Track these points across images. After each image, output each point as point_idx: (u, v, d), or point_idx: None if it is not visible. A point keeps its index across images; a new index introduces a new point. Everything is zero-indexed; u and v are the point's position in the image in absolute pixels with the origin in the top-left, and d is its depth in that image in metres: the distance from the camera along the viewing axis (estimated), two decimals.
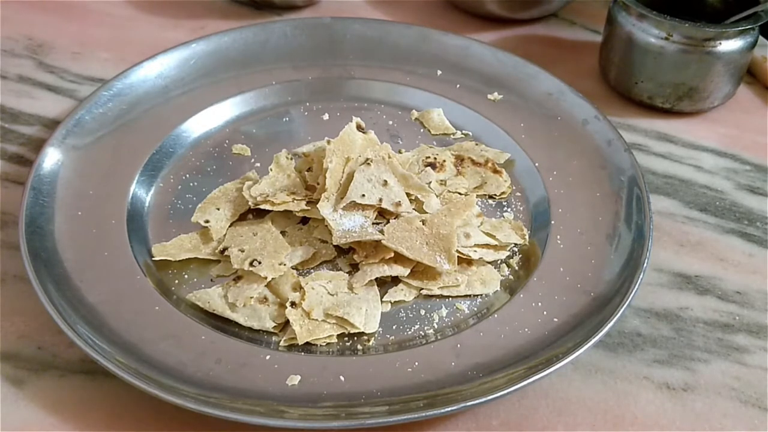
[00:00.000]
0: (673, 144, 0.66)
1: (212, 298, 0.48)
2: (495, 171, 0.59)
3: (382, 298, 0.49)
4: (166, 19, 0.78)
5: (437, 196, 0.54)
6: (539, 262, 0.51)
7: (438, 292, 0.50)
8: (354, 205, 0.51)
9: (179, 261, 0.51)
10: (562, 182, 0.57)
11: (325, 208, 0.50)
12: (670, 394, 0.46)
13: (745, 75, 0.69)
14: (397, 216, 0.52)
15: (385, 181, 0.52)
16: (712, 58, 0.64)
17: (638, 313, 0.51)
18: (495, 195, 0.57)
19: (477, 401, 0.41)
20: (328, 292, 0.49)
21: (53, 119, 0.65)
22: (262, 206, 0.52)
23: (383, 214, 0.52)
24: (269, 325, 0.47)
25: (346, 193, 0.51)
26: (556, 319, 0.47)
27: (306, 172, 0.56)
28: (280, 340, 0.47)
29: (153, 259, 0.51)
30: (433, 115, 0.64)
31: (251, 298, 0.48)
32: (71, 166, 0.55)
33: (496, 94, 0.65)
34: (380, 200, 0.51)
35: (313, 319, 0.47)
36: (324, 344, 0.47)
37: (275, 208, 0.52)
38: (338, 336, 0.47)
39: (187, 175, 0.58)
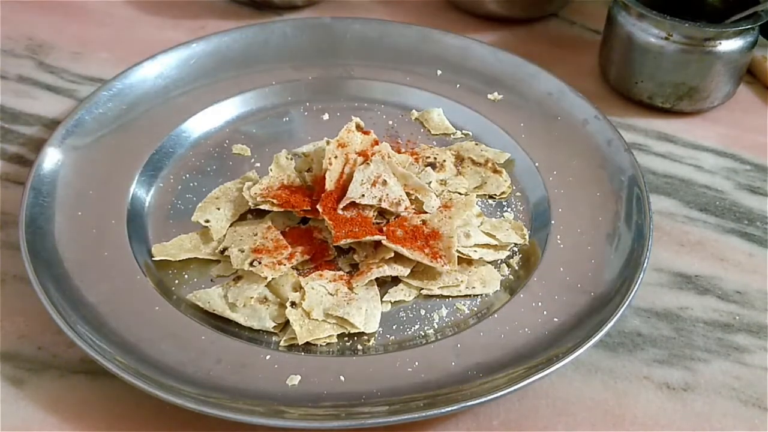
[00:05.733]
0: (673, 144, 0.66)
1: (212, 298, 0.48)
2: (495, 171, 0.59)
3: (382, 298, 0.49)
4: (166, 19, 0.78)
5: (437, 196, 0.54)
6: (539, 262, 0.51)
7: (438, 292, 0.50)
8: (354, 205, 0.51)
9: (179, 261, 0.51)
10: (562, 182, 0.57)
11: (325, 208, 0.50)
12: (670, 394, 0.46)
13: (745, 75, 0.69)
14: (397, 216, 0.52)
15: (385, 180, 0.52)
16: (712, 58, 0.64)
17: (638, 313, 0.51)
18: (495, 195, 0.57)
19: (477, 401, 0.41)
20: (328, 292, 0.49)
21: (53, 119, 0.65)
22: (262, 206, 0.52)
23: (383, 214, 0.52)
24: (269, 325, 0.47)
25: (346, 193, 0.51)
26: (556, 319, 0.47)
27: (306, 172, 0.56)
28: (280, 340, 0.47)
29: (153, 259, 0.51)
30: (433, 115, 0.64)
31: (251, 298, 0.48)
32: (71, 166, 0.55)
33: (496, 94, 0.65)
34: (380, 200, 0.51)
35: (313, 319, 0.47)
36: (324, 344, 0.47)
37: (275, 209, 0.52)
38: (338, 336, 0.47)
39: (187, 175, 0.58)
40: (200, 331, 0.46)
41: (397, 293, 0.50)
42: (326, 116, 0.64)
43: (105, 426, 0.43)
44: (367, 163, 0.52)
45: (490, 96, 0.65)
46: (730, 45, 0.63)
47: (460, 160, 0.60)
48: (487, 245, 0.53)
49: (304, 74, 0.67)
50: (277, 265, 0.49)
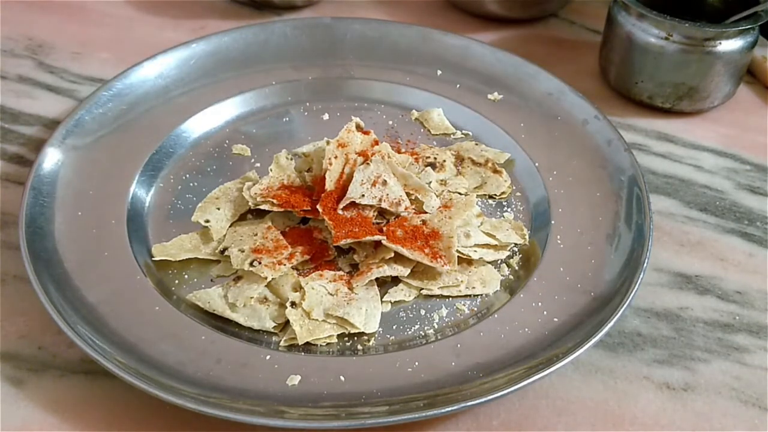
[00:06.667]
0: (673, 144, 0.66)
1: (212, 298, 0.48)
2: (495, 171, 0.59)
3: (382, 298, 0.49)
4: (166, 19, 0.78)
5: (437, 196, 0.54)
6: (539, 262, 0.51)
7: (438, 292, 0.50)
8: (354, 205, 0.51)
9: (179, 261, 0.51)
10: (562, 182, 0.57)
11: (325, 208, 0.50)
12: (670, 394, 0.46)
13: (745, 75, 0.69)
14: (397, 216, 0.52)
15: (385, 180, 0.52)
16: (712, 58, 0.64)
17: (638, 313, 0.51)
18: (495, 195, 0.57)
19: (477, 401, 0.41)
20: (328, 292, 0.49)
21: (53, 119, 0.65)
22: (262, 206, 0.52)
23: (383, 214, 0.52)
24: (269, 325, 0.47)
25: (346, 193, 0.51)
26: (556, 319, 0.47)
27: (306, 172, 0.56)
28: (280, 340, 0.47)
29: (153, 259, 0.51)
30: (433, 115, 0.64)
31: (251, 298, 0.48)
32: (71, 166, 0.55)
33: (496, 94, 0.65)
34: (380, 200, 0.51)
35: (313, 319, 0.47)
36: (324, 344, 0.47)
37: (275, 209, 0.52)
38: (338, 336, 0.47)
39: (187, 175, 0.58)
40: (200, 331, 0.46)
41: (397, 293, 0.50)
42: (326, 116, 0.64)
43: (105, 426, 0.43)
44: (367, 163, 0.52)
45: (490, 96, 0.65)
46: (730, 45, 0.63)
47: (460, 160, 0.60)
48: (487, 245, 0.53)
49: (304, 74, 0.67)
50: (277, 265, 0.49)
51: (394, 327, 0.48)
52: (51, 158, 0.55)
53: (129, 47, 0.73)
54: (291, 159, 0.57)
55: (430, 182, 0.57)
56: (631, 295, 0.47)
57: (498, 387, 0.42)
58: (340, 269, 0.51)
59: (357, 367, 0.45)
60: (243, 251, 0.50)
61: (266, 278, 0.48)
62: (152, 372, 0.43)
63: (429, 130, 0.63)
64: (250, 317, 0.47)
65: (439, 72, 0.67)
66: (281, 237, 0.51)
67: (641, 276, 0.48)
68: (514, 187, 0.58)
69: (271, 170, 0.55)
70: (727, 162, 0.64)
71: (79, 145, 0.57)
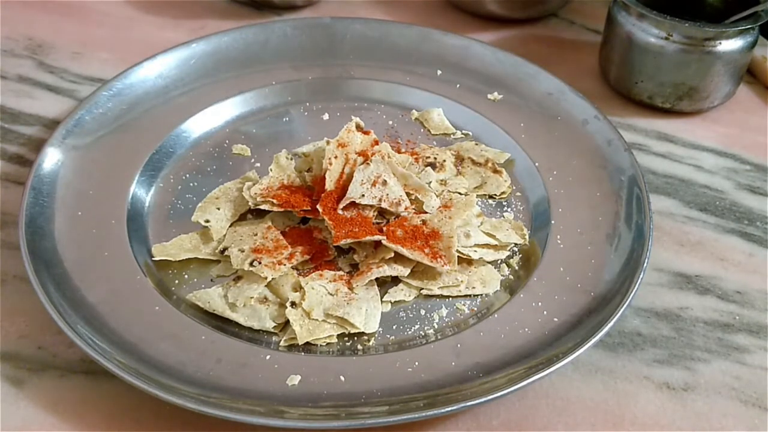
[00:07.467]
0: (673, 144, 0.66)
1: (212, 298, 0.48)
2: (495, 171, 0.59)
3: (382, 298, 0.49)
4: (166, 19, 0.78)
5: (437, 196, 0.54)
6: (539, 262, 0.51)
7: (438, 292, 0.50)
8: (354, 205, 0.51)
9: (179, 261, 0.51)
10: (562, 182, 0.57)
11: (325, 208, 0.50)
12: (670, 394, 0.46)
13: (745, 75, 0.69)
14: (397, 216, 0.52)
15: (385, 180, 0.52)
16: (712, 58, 0.64)
17: (638, 313, 0.51)
18: (495, 195, 0.57)
19: (477, 401, 0.41)
20: (328, 292, 0.49)
21: (53, 119, 0.65)
22: (262, 206, 0.52)
23: (383, 214, 0.52)
24: (269, 325, 0.47)
25: (346, 193, 0.51)
26: (556, 319, 0.47)
27: (306, 172, 0.56)
28: (280, 340, 0.47)
29: (153, 259, 0.51)
30: (433, 115, 0.64)
31: (251, 298, 0.48)
32: (71, 166, 0.55)
33: (496, 94, 0.65)
34: (380, 200, 0.51)
35: (313, 319, 0.47)
36: (324, 344, 0.47)
37: (275, 209, 0.52)
38: (338, 336, 0.47)
39: (187, 175, 0.58)
40: (200, 331, 0.46)
41: (397, 293, 0.50)
42: (326, 116, 0.64)
43: (105, 426, 0.43)
44: (367, 163, 0.52)
45: (490, 96, 0.65)
46: (730, 45, 0.63)
47: (460, 160, 0.60)
48: (487, 245, 0.53)
49: (304, 74, 0.67)
50: (277, 265, 0.49)
51: (394, 327, 0.48)
52: (51, 158, 0.55)
53: (129, 47, 0.73)
54: (291, 159, 0.57)
55: (430, 182, 0.57)
56: (631, 295, 0.47)
57: (498, 387, 0.42)
58: (340, 269, 0.51)
59: (357, 367, 0.45)
60: (243, 251, 0.50)
61: (266, 278, 0.48)
62: (152, 372, 0.43)
63: (429, 130, 0.63)
64: (250, 317, 0.47)
65: (439, 72, 0.67)
66: (281, 237, 0.51)
67: (641, 276, 0.48)
68: (514, 187, 0.58)
69: (271, 170, 0.55)
70: (727, 162, 0.64)
71: (79, 145, 0.57)
